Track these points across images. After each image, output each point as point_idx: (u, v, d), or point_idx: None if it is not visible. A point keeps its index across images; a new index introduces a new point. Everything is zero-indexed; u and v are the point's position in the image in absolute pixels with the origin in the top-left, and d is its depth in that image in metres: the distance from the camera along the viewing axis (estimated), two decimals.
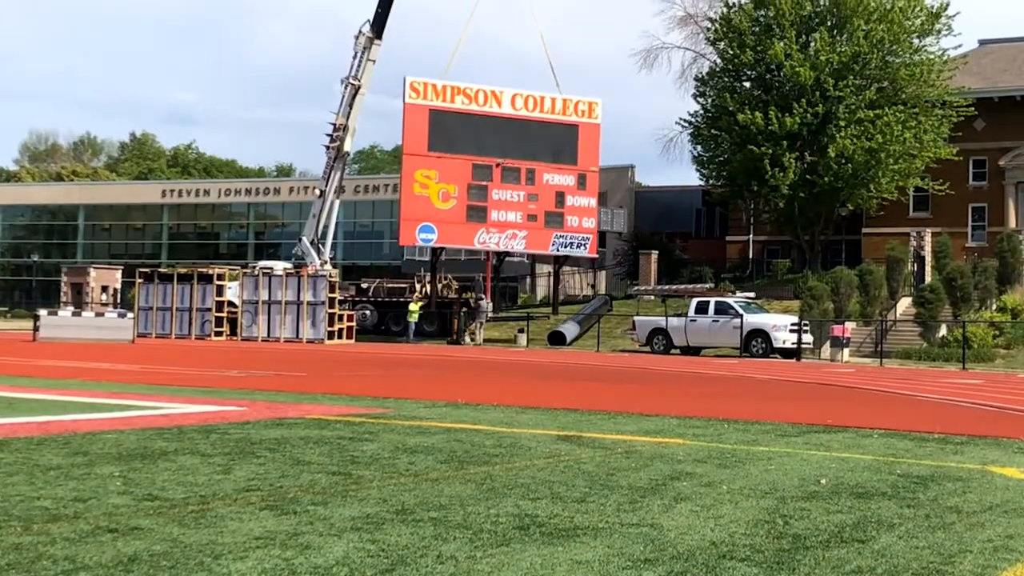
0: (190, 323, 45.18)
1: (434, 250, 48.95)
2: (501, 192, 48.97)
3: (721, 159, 54.15)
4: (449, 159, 48.00)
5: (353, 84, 47.96)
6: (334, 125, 48.50)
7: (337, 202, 50.14)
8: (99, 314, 41.72)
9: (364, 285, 51.90)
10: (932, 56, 51.53)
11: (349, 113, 48.20)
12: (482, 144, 48.34)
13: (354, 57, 48.14)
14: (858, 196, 51.21)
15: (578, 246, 50.49)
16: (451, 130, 47.91)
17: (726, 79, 54.46)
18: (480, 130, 48.56)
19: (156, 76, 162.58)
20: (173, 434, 9.91)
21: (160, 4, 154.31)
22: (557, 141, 51.12)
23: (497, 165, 49.77)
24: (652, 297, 49.55)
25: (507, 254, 52.09)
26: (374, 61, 48.28)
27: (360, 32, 47.89)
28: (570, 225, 50.15)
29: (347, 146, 49.40)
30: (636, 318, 41.84)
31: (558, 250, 50.48)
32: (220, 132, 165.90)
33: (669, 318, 39.85)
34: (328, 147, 48.81)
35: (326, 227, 49.54)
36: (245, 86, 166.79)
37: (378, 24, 47.88)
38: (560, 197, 50.01)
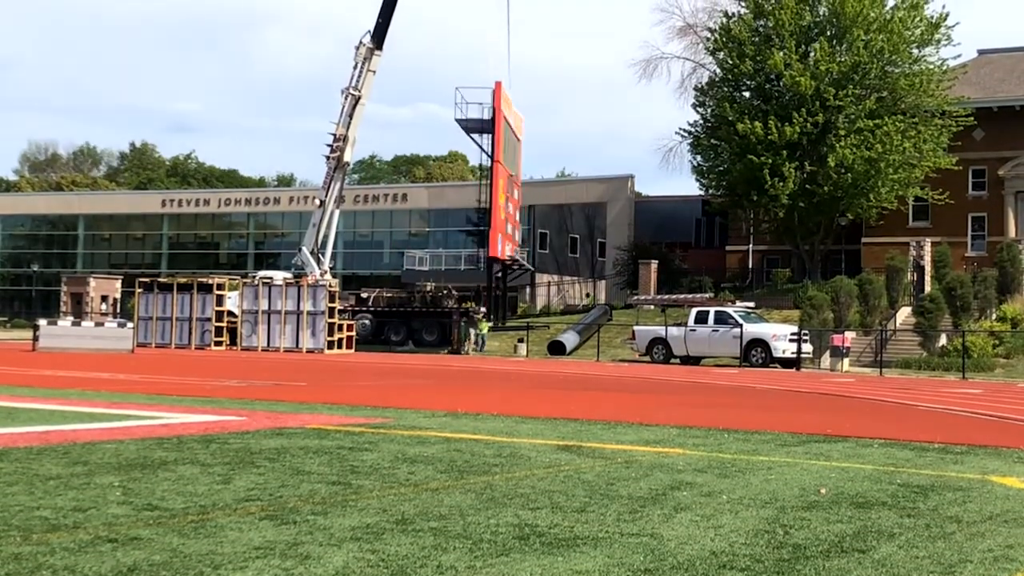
0: (190, 333, 45.17)
1: (496, 262, 49.80)
2: (508, 204, 50.11)
3: (721, 169, 54.20)
4: (503, 169, 49.16)
5: (353, 94, 48.01)
6: (334, 135, 48.56)
7: (337, 212, 50.23)
8: (99, 324, 41.69)
9: (364, 295, 51.93)
10: (931, 66, 51.61)
11: (349, 123, 48.26)
12: (506, 154, 49.85)
13: (355, 68, 48.22)
14: (858, 206, 51.25)
15: (519, 254, 53.57)
16: (505, 141, 49.31)
17: (726, 89, 54.55)
18: (507, 141, 49.73)
19: (158, 85, 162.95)
20: (173, 444, 9.90)
21: (161, 13, 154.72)
22: (514, 153, 52.38)
23: (510, 176, 50.74)
24: (652, 307, 49.56)
25: (519, 264, 53.21)
26: (374, 72, 48.35)
27: (361, 43, 47.99)
28: (515, 238, 52.13)
29: (347, 156, 49.51)
30: (636, 328, 41.83)
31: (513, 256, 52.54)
32: (222, 141, 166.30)
33: (669, 328, 39.84)
34: (328, 157, 48.86)
35: (326, 237, 49.63)
36: (247, 95, 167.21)
37: (379, 35, 47.97)
38: (513, 209, 51.80)
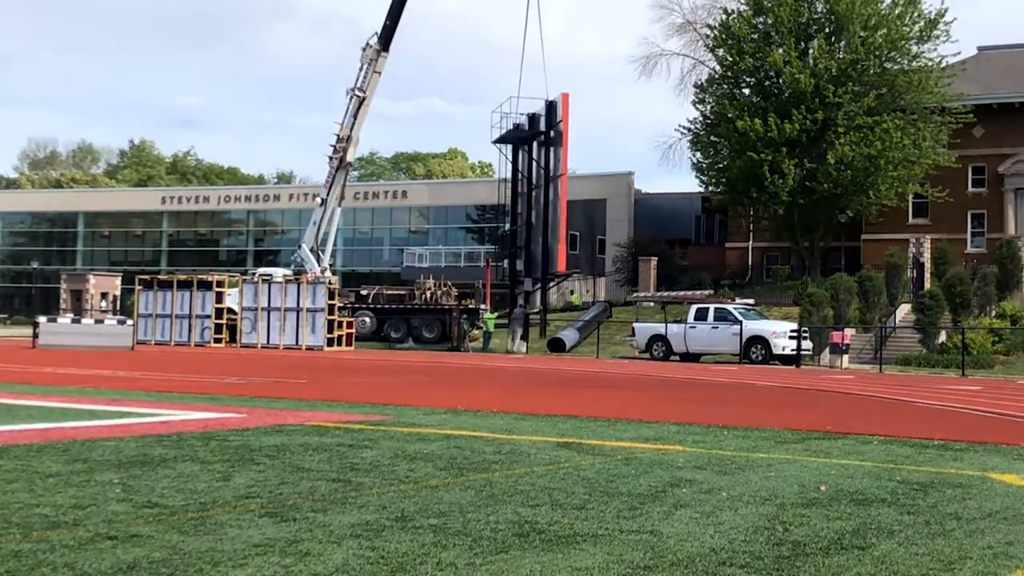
0: (189, 330, 45.15)
1: (556, 276, 51.81)
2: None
3: (720, 166, 54.16)
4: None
5: (358, 95, 48.15)
6: (338, 136, 48.68)
7: (339, 210, 50.41)
8: (99, 321, 41.68)
9: (363, 292, 51.95)
10: (930, 63, 51.57)
11: (353, 124, 48.41)
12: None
13: (360, 69, 48.32)
14: (857, 203, 51.24)
15: None
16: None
17: (725, 86, 54.52)
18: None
19: (159, 80, 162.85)
20: (172, 441, 9.91)
21: (162, 8, 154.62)
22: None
23: None
24: (652, 304, 49.55)
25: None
26: (380, 73, 48.46)
27: (368, 44, 48.12)
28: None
29: (350, 157, 49.75)
30: (636, 325, 41.81)
31: None
32: (222, 136, 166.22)
33: (669, 325, 39.82)
34: (331, 158, 48.99)
35: (326, 234, 49.73)
36: (248, 90, 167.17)
37: (386, 36, 48.09)
38: None
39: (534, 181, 51.67)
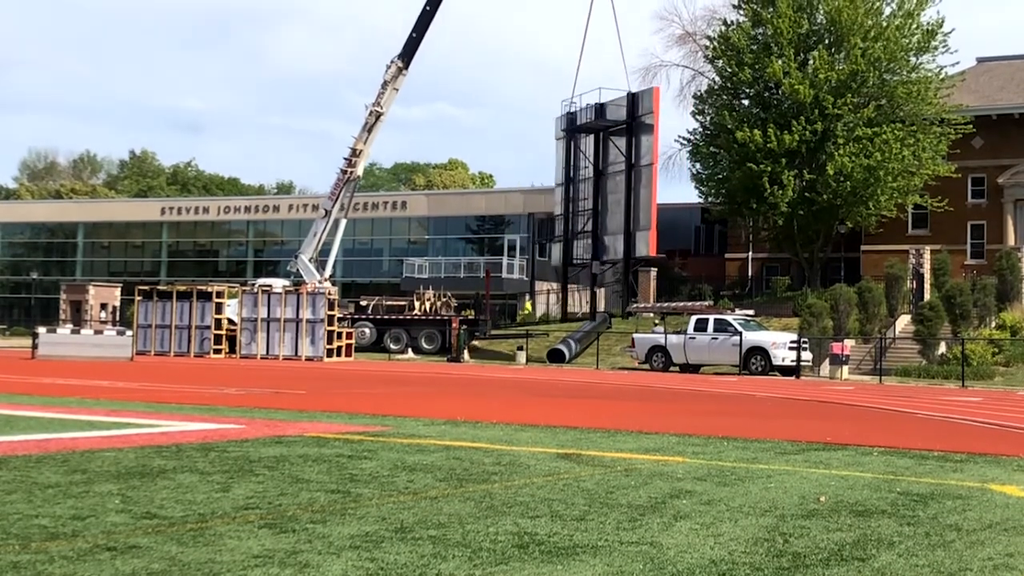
0: (189, 341, 45.14)
1: (638, 261, 53.72)
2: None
3: (720, 177, 54.20)
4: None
5: (376, 111, 48.92)
6: (353, 149, 49.26)
7: (344, 222, 50.66)
8: (98, 332, 41.65)
9: (363, 303, 51.94)
10: (930, 74, 51.64)
11: (367, 138, 49.13)
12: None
13: (382, 85, 49.22)
14: (857, 213, 51.24)
15: None
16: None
17: (725, 97, 54.58)
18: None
19: (162, 84, 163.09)
20: (172, 452, 9.90)
21: (163, 10, 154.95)
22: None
23: None
24: (651, 314, 49.52)
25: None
26: (398, 90, 49.65)
27: (392, 62, 48.90)
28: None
29: (359, 169, 50.28)
30: (635, 335, 41.80)
31: None
32: (224, 142, 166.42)
33: (668, 335, 39.81)
34: (344, 171, 49.47)
35: (328, 246, 49.93)
36: (252, 96, 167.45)
37: (409, 50, 48.88)
38: None
39: (606, 169, 53.99)
